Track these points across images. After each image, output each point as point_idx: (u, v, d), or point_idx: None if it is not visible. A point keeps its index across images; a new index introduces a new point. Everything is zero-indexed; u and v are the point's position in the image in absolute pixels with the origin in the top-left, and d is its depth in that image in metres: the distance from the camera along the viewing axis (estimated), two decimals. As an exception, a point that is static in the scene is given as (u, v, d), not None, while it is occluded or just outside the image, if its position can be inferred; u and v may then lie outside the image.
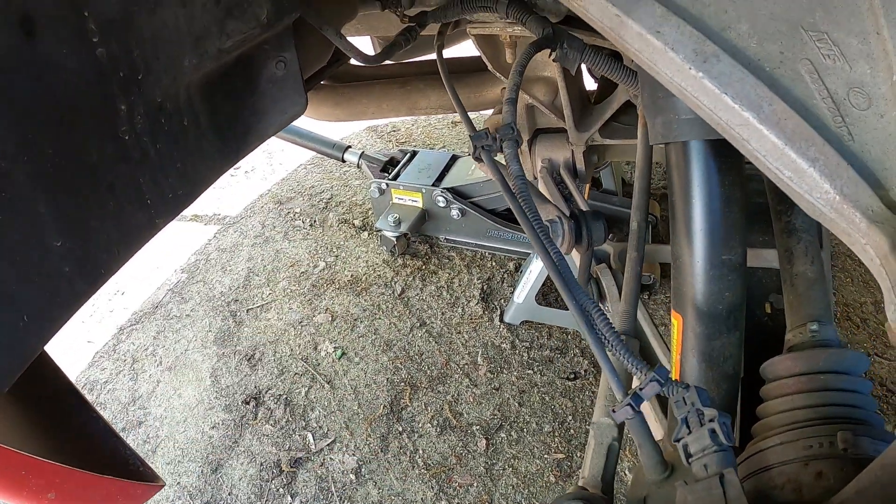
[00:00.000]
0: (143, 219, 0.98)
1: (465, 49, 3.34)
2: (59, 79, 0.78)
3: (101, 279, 0.91)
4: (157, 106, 0.96)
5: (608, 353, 0.98)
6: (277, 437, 2.62)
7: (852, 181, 0.84)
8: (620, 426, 1.21)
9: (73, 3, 0.78)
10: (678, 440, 0.92)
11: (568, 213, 1.46)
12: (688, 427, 0.91)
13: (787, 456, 1.04)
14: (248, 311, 3.23)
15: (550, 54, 1.36)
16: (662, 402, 1.52)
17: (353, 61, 2.49)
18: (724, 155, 1.15)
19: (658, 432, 1.46)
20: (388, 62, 2.58)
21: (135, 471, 1.21)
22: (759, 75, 0.89)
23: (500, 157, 1.20)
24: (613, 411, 0.95)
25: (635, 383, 1.52)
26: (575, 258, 1.67)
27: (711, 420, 0.88)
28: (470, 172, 3.22)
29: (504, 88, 2.39)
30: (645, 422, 0.98)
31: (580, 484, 1.12)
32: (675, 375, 1.24)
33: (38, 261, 0.80)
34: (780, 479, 1.03)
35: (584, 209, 1.85)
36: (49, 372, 1.17)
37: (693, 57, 0.90)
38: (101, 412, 2.72)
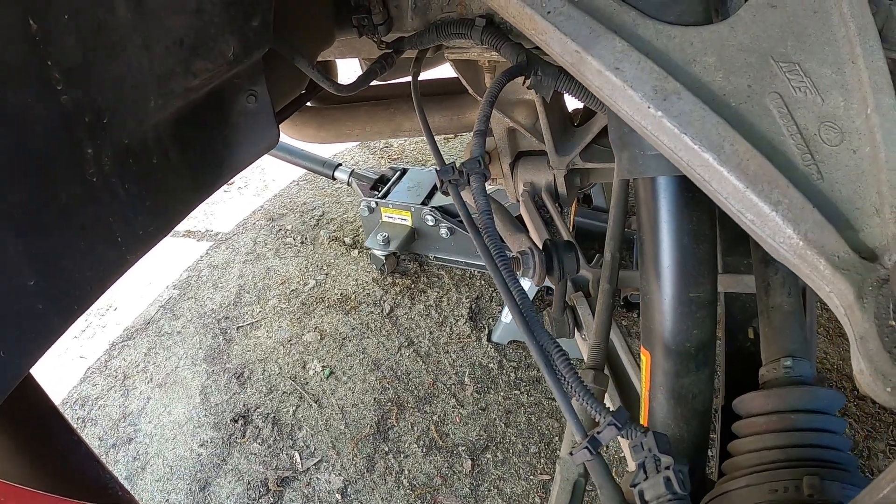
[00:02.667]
0: (114, 256, 0.98)
1: (449, 70, 3.35)
2: (26, 127, 0.80)
3: (74, 314, 0.92)
4: (124, 147, 0.96)
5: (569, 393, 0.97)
6: (265, 455, 2.61)
7: (818, 225, 0.80)
8: (586, 463, 1.20)
9: (36, 53, 0.79)
10: (634, 485, 0.91)
11: (542, 242, 1.45)
12: (645, 473, 0.90)
13: (751, 500, 1.02)
14: (238, 328, 3.23)
15: (524, 81, 1.35)
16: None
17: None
18: (693, 190, 1.11)
19: (632, 464, 1.45)
20: (375, 82, 2.58)
21: (113, 496, 1.21)
22: (723, 112, 0.86)
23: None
24: (571, 453, 0.94)
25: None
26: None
27: (667, 468, 0.87)
28: (460, 190, 3.21)
29: (482, 116, 2.39)
30: (604, 463, 0.97)
31: (544, 522, 1.11)
32: (644, 412, 1.23)
33: (11, 300, 0.81)
34: None
35: (564, 234, 1.84)
36: (32, 395, 1.18)
37: (652, 95, 0.87)
38: (92, 428, 2.77)
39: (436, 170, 1.16)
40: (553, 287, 1.51)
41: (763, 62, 0.89)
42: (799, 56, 0.90)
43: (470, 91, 1.93)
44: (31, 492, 0.97)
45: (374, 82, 2.01)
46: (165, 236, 1.13)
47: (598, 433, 0.91)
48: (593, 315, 1.64)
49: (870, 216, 0.81)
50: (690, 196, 1.13)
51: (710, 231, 1.16)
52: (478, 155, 1.15)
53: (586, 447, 0.91)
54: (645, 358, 1.21)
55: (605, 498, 0.99)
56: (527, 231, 1.86)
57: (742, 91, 0.88)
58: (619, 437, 0.93)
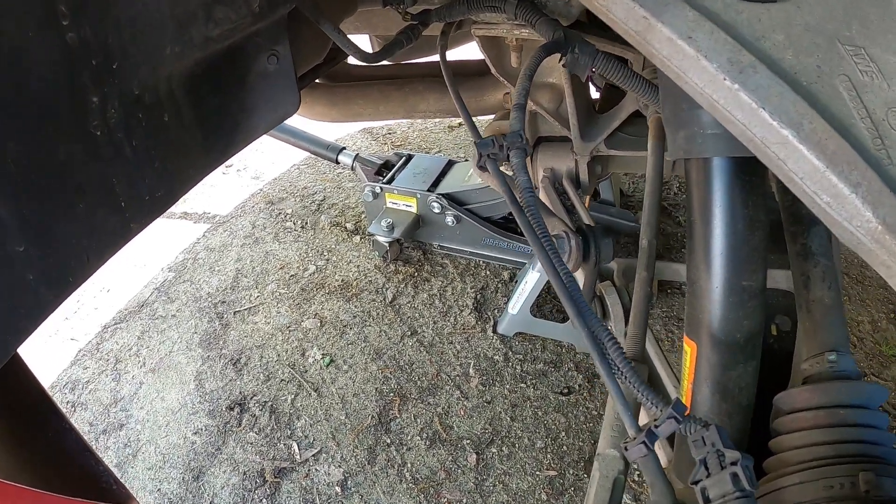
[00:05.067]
0: (116, 223, 0.90)
1: (465, 52, 3.28)
2: (22, 67, 0.70)
3: (69, 288, 0.84)
4: (133, 98, 0.87)
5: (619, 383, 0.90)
6: (262, 445, 2.54)
7: (895, 209, 0.76)
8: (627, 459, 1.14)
9: None
10: (696, 482, 0.85)
11: (573, 227, 1.39)
12: (707, 469, 0.84)
13: (806, 496, 0.99)
14: (235, 313, 3.15)
15: (560, 59, 1.29)
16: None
17: (350, 60, 2.43)
18: (749, 174, 1.07)
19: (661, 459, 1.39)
20: (386, 63, 2.52)
21: (106, 489, 1.15)
22: (798, 90, 0.81)
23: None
24: (626, 448, 0.88)
25: (641, 411, 1.45)
26: (578, 275, 1.60)
27: (734, 463, 0.81)
28: (466, 178, 3.15)
29: (507, 93, 2.33)
30: (658, 461, 0.91)
31: (585, 520, 1.05)
32: (685, 405, 1.17)
33: None
34: None
35: (587, 221, 1.78)
36: (21, 379, 1.11)
37: (728, 67, 0.82)
38: (82, 413, 2.68)
39: (475, 142, 1.10)
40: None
41: (830, 44, 0.86)
42: (864, 41, 0.87)
43: (493, 71, 1.87)
44: (18, 487, 0.88)
45: (385, 62, 1.95)
46: (172, 205, 1.05)
47: (656, 427, 0.85)
48: (622, 305, 1.59)
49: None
50: (747, 180, 1.07)
51: (764, 218, 1.10)
52: (518, 129, 1.08)
53: (643, 442, 0.85)
54: (689, 349, 1.15)
55: (657, 495, 0.93)
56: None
57: (812, 71, 0.84)
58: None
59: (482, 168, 1.09)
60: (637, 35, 0.90)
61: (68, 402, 2.79)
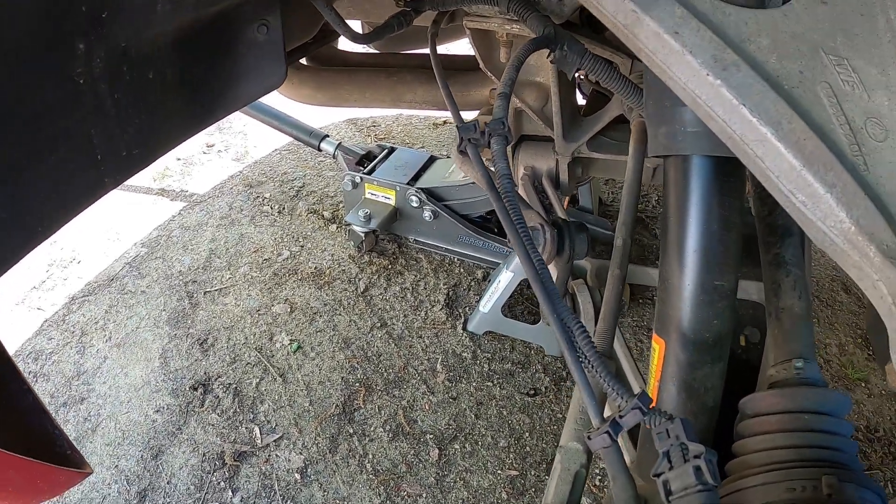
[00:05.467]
0: (91, 175, 0.88)
1: (453, 48, 3.28)
2: (9, 6, 0.68)
3: (39, 236, 0.83)
4: (120, 51, 0.86)
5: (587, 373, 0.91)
6: (223, 427, 2.51)
7: (869, 212, 0.79)
8: (589, 452, 1.14)
9: None
10: (658, 475, 0.85)
11: (549, 221, 1.39)
12: (669, 462, 0.84)
13: (769, 497, 0.99)
14: (205, 293, 3.12)
15: (549, 55, 1.30)
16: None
17: (340, 45, 2.41)
18: (727, 175, 1.09)
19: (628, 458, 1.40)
20: (374, 51, 2.51)
21: (61, 454, 1.12)
22: (779, 91, 0.84)
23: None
24: (589, 438, 0.88)
25: (606, 408, 1.46)
26: (552, 270, 1.60)
27: (697, 456, 0.81)
28: (447, 175, 3.15)
29: (493, 89, 2.34)
30: (621, 452, 0.91)
31: (543, 510, 1.05)
32: (651, 398, 1.18)
33: None
34: None
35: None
36: None
37: (712, 63, 0.84)
38: (44, 384, 2.64)
39: (456, 126, 1.10)
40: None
41: (814, 52, 0.89)
42: (847, 52, 0.90)
43: (482, 65, 1.87)
44: None
45: (375, 50, 1.94)
46: (148, 165, 1.04)
47: (621, 417, 0.85)
48: (593, 305, 1.60)
49: (911, 213, 0.81)
50: (724, 180, 1.09)
51: (739, 220, 1.12)
52: (501, 116, 1.08)
53: (607, 432, 0.85)
54: (658, 346, 1.16)
55: (618, 489, 0.93)
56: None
57: (794, 76, 0.86)
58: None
59: (462, 152, 1.09)
60: (625, 28, 0.91)
61: (31, 371, 2.74)
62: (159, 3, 0.90)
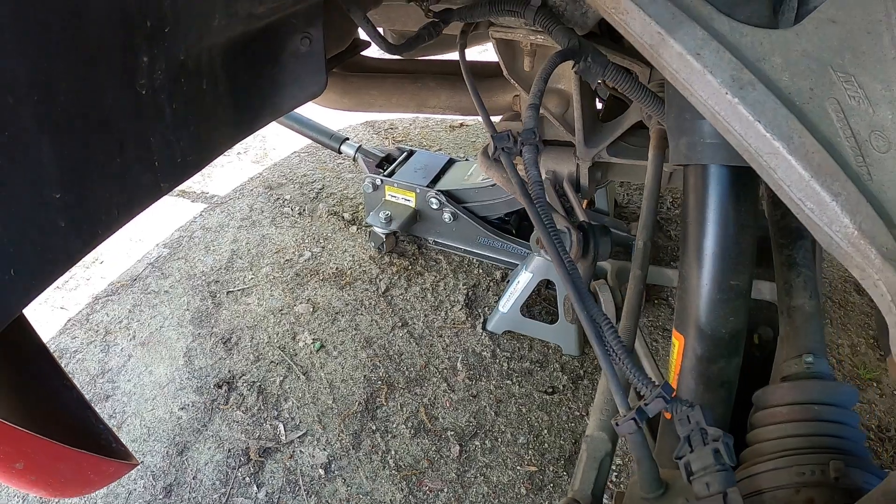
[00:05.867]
0: (148, 181, 0.94)
1: (474, 54, 3.32)
2: (84, 18, 0.74)
3: (96, 239, 0.87)
4: (179, 63, 0.92)
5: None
6: (248, 424, 2.58)
7: (870, 218, 0.87)
8: (614, 441, 1.21)
9: None
10: (679, 457, 0.92)
11: (575, 224, 1.46)
12: (690, 445, 0.91)
13: (779, 481, 1.06)
14: (228, 293, 3.19)
15: (574, 66, 1.36)
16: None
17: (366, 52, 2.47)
18: (742, 183, 1.16)
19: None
20: (398, 57, 2.57)
21: (106, 446, 1.16)
22: (791, 108, 0.91)
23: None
24: (617, 424, 0.94)
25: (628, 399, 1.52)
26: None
27: (716, 440, 0.88)
28: (465, 177, 3.22)
29: (516, 96, 2.40)
30: (645, 438, 0.97)
31: (570, 496, 1.12)
32: (672, 387, 1.25)
33: (34, 211, 0.75)
34: (771, 503, 1.04)
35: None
36: (23, 333, 1.12)
37: (730, 82, 0.92)
38: (71, 381, 2.69)
39: (491, 136, 1.16)
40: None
41: (823, 69, 0.96)
42: (854, 69, 0.97)
43: (505, 73, 1.93)
44: (23, 432, 0.90)
45: (397, 57, 1.99)
46: (199, 171, 1.09)
47: (646, 405, 0.92)
48: (614, 304, 1.66)
49: (911, 219, 0.89)
50: (740, 188, 1.16)
51: (753, 223, 1.19)
52: (532, 126, 1.15)
53: (633, 418, 0.92)
54: (677, 342, 1.23)
55: (643, 472, 1.00)
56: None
57: (805, 92, 0.94)
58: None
59: (496, 160, 1.16)
60: (650, 48, 0.99)
61: (57, 369, 2.80)
62: (216, 18, 0.96)
